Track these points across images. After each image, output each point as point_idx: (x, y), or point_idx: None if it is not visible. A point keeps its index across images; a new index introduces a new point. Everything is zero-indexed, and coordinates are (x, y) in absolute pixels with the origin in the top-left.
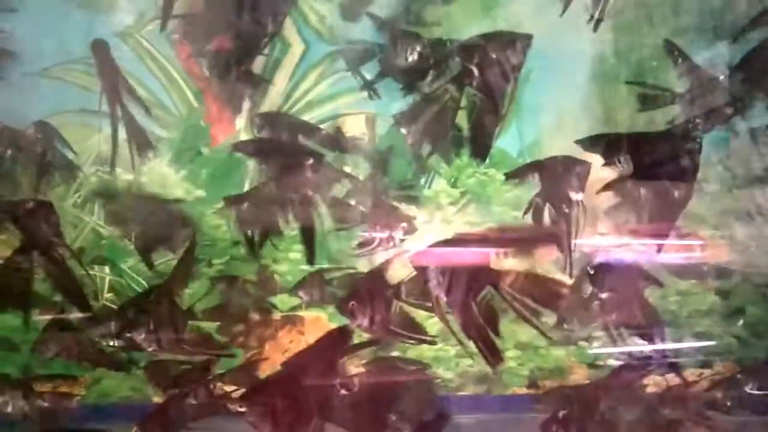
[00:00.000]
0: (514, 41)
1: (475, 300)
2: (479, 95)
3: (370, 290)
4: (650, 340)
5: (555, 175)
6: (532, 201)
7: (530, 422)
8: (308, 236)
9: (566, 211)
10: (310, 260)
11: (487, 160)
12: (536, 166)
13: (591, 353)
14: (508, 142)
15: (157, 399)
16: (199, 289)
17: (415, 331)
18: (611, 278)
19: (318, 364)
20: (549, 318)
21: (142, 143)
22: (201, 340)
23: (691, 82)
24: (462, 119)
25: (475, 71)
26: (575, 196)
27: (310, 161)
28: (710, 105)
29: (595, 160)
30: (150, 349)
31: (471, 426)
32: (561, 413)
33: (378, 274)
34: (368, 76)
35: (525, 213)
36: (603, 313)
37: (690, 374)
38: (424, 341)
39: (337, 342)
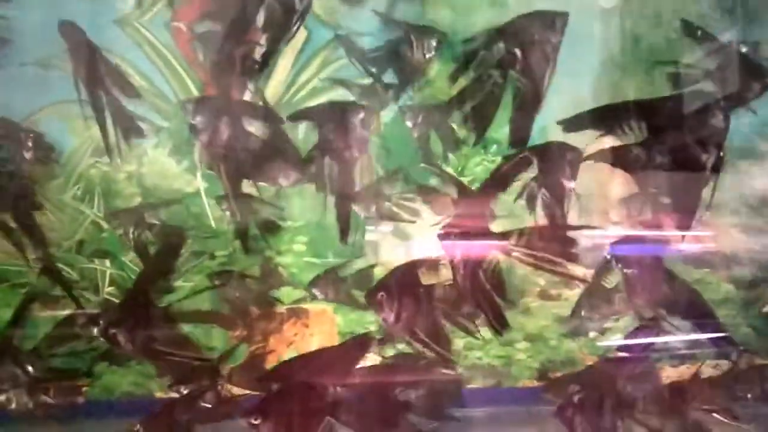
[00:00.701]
0: (553, 20)
1: (482, 267)
2: (523, 79)
3: (401, 284)
4: (689, 315)
5: (550, 162)
6: (527, 185)
7: (541, 415)
8: (344, 212)
9: (560, 198)
10: (344, 238)
11: (495, 147)
12: (534, 152)
13: (602, 345)
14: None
15: (161, 394)
16: (200, 283)
17: (439, 342)
18: (634, 259)
19: (334, 369)
20: (564, 309)
21: (129, 129)
22: (176, 341)
23: (720, 60)
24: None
25: (519, 54)
26: (568, 183)
27: (362, 115)
28: (740, 80)
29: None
30: (128, 349)
31: (480, 419)
32: (576, 397)
33: (411, 268)
34: (374, 70)
35: (518, 197)
36: (634, 294)
37: (706, 365)
38: (444, 358)
39: (355, 350)
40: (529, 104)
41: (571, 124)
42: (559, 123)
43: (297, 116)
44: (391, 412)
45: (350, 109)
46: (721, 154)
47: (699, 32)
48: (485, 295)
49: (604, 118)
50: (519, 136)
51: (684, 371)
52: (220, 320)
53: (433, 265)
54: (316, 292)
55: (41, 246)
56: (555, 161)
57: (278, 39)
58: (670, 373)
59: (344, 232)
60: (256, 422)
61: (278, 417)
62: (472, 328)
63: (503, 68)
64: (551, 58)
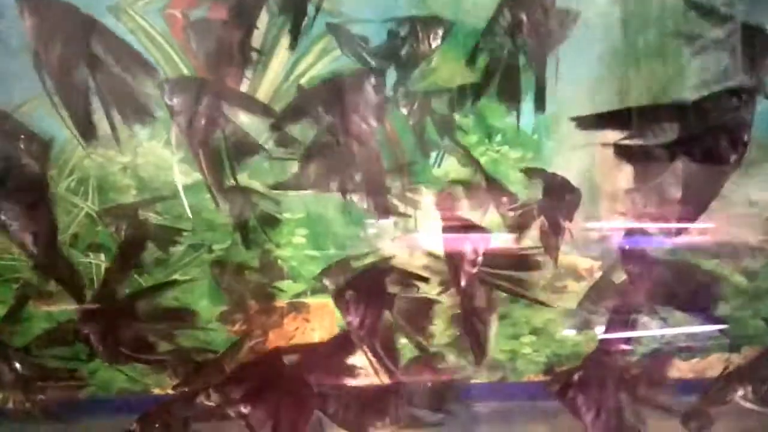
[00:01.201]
0: None
1: (460, 287)
2: (531, 42)
3: (369, 288)
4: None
5: (552, 193)
6: (526, 204)
7: (547, 410)
8: (376, 188)
9: (556, 231)
10: (383, 215)
11: (498, 137)
12: (543, 175)
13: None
14: (523, 118)
15: (158, 391)
16: (199, 276)
17: (388, 353)
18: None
19: (326, 363)
20: (568, 303)
21: (134, 111)
22: (141, 345)
23: (732, 34)
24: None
25: (524, 18)
26: (563, 222)
27: (373, 80)
28: (755, 53)
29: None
30: (100, 351)
31: (485, 414)
32: (576, 375)
33: (380, 273)
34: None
35: (513, 210)
36: (637, 288)
37: (716, 360)
38: (388, 370)
39: (348, 342)
40: (541, 66)
41: (588, 122)
42: (573, 119)
43: (289, 115)
44: (381, 399)
45: (358, 76)
46: (746, 144)
47: (707, 10)
48: (467, 321)
49: (627, 119)
50: (538, 101)
51: (695, 365)
52: (189, 320)
53: (403, 274)
54: (326, 282)
55: (50, 241)
56: (555, 195)
57: (297, 23)
58: (681, 366)
59: (383, 209)
60: (245, 411)
61: (267, 407)
62: (425, 344)
63: (513, 36)
64: (551, 12)
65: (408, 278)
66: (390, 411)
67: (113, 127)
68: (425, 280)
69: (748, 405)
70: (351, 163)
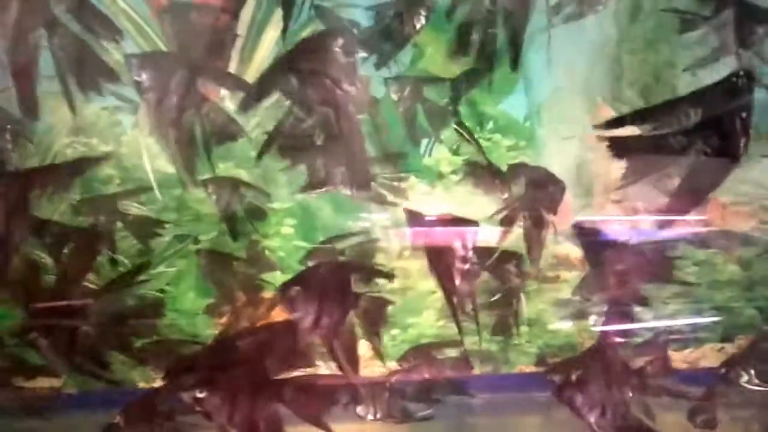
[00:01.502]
0: None
1: (454, 286)
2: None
3: (325, 285)
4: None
5: (536, 187)
6: (510, 205)
7: (540, 401)
8: (360, 161)
9: (539, 225)
10: (362, 189)
11: (491, 124)
12: (525, 170)
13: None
14: (514, 106)
15: (144, 384)
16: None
17: (349, 358)
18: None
19: (282, 347)
20: (563, 293)
21: (98, 74)
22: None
23: (731, 12)
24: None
25: None
26: (547, 215)
27: (340, 41)
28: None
29: None
30: (51, 358)
31: (478, 406)
32: (575, 375)
33: (343, 270)
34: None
35: (496, 213)
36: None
37: (710, 349)
38: (346, 374)
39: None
40: (516, 23)
41: (609, 126)
42: (597, 126)
43: (260, 87)
44: (341, 391)
45: (324, 37)
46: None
47: None
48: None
49: (656, 114)
50: (513, 60)
51: (688, 355)
52: (147, 315)
53: (370, 271)
54: (311, 264)
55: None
56: (539, 188)
57: (288, 8)
58: (674, 357)
59: (366, 187)
60: (201, 395)
61: (224, 392)
62: (381, 350)
63: None
64: None
65: (371, 275)
66: (370, 402)
67: (68, 94)
68: (390, 277)
69: (755, 388)
70: (329, 138)
